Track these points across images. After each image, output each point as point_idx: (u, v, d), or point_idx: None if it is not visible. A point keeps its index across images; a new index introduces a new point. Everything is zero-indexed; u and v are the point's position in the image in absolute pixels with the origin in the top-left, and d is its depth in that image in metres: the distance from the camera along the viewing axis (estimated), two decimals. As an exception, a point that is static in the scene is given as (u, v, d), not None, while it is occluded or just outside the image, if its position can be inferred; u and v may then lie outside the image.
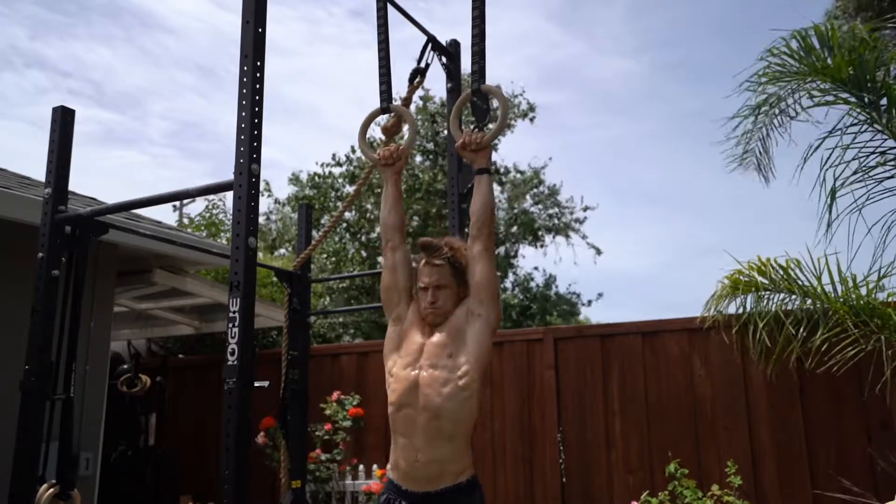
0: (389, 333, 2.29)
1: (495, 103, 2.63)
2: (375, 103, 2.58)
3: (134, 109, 23.44)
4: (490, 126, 2.62)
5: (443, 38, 3.30)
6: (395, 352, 2.23)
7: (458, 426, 2.09)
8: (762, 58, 4.15)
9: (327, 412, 5.55)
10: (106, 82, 22.76)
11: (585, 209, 15.63)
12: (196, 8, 20.64)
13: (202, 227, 10.73)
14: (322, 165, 15.05)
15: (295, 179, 15.62)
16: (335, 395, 5.68)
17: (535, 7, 20.93)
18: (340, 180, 14.98)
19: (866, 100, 3.76)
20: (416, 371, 2.13)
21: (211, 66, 23.87)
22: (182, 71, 22.78)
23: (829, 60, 3.88)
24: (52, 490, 2.60)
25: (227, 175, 2.11)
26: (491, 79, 2.47)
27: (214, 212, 11.64)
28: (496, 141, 14.18)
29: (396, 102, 2.71)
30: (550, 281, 16.05)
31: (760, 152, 4.45)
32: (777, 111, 4.21)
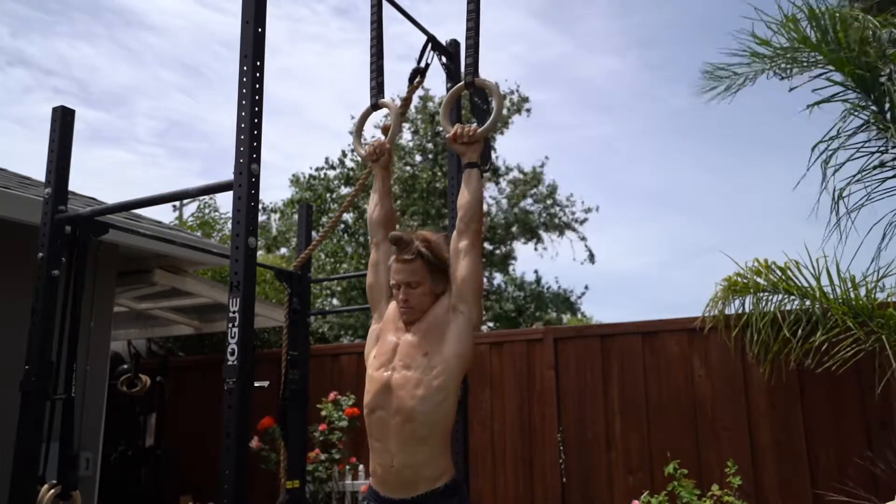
0: (370, 332, 2.24)
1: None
2: (363, 101, 2.58)
3: (120, 108, 23.42)
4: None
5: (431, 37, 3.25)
6: (372, 350, 2.18)
7: (433, 429, 2.00)
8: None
9: (323, 413, 5.56)
10: (91, 81, 22.67)
11: (587, 210, 15.61)
12: (178, 6, 20.57)
13: (196, 228, 10.73)
14: (317, 170, 15.11)
15: (295, 181, 15.64)
16: (332, 395, 5.69)
17: (519, 6, 20.80)
18: (335, 182, 15.00)
19: (871, 97, 3.75)
20: (389, 372, 2.06)
21: (195, 64, 23.80)
22: (166, 69, 22.70)
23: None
24: (53, 490, 2.60)
25: (218, 174, 2.13)
26: (481, 75, 2.41)
27: (206, 211, 11.66)
28: (492, 139, 14.16)
29: (396, 102, 2.71)
30: (545, 278, 16.05)
31: None
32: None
